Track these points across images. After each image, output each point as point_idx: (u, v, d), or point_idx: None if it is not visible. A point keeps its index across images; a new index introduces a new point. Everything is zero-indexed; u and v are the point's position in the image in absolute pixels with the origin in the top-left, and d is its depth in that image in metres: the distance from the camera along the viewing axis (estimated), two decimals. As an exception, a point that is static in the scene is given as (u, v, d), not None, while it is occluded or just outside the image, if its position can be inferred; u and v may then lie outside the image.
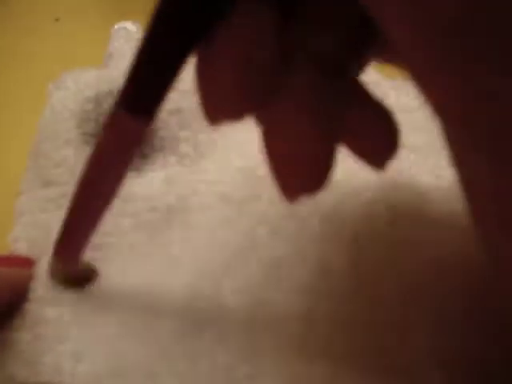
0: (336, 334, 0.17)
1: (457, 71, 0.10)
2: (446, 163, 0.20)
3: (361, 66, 0.15)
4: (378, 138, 0.15)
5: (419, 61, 0.10)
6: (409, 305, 0.17)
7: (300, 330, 0.17)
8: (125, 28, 0.22)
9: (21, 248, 0.19)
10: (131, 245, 0.19)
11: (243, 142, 0.21)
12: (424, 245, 0.18)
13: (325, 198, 0.19)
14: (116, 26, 0.22)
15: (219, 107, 0.14)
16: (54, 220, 0.19)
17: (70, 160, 0.20)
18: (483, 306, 0.17)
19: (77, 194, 0.16)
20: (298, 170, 0.14)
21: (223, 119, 0.14)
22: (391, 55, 0.15)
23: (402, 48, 0.10)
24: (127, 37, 0.22)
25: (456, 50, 0.10)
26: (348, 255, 0.18)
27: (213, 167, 0.20)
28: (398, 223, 0.19)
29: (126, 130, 0.15)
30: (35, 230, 0.19)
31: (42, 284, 0.18)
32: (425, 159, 0.20)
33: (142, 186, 0.20)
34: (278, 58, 0.13)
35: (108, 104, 0.21)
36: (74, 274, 0.18)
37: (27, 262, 0.18)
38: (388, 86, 0.22)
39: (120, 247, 0.19)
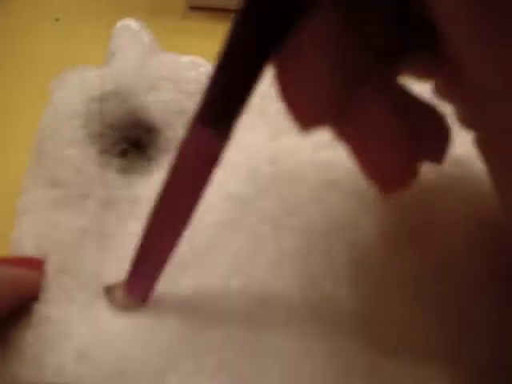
0: (339, 332, 0.17)
1: None
2: (447, 162, 0.20)
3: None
4: (437, 139, 0.16)
5: (473, 57, 0.11)
6: (410, 304, 0.17)
7: (305, 328, 0.17)
8: (127, 26, 0.22)
9: (22, 247, 0.19)
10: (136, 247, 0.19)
11: (247, 142, 0.21)
12: (425, 245, 0.18)
13: (328, 197, 0.19)
14: (118, 24, 0.22)
15: (309, 114, 0.14)
16: (57, 219, 0.19)
17: (75, 160, 0.20)
18: (485, 305, 0.17)
19: (153, 217, 0.16)
20: (388, 169, 0.15)
21: (313, 125, 0.14)
22: (430, 63, 0.15)
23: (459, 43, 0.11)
24: (130, 35, 0.22)
25: None
26: (352, 253, 0.18)
27: (217, 167, 0.20)
28: (399, 222, 0.19)
29: (206, 146, 0.14)
30: (37, 230, 0.19)
31: (45, 284, 0.18)
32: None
33: (148, 188, 0.20)
34: (357, 66, 0.14)
35: (112, 104, 0.21)
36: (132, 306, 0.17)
37: (35, 263, 0.18)
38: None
39: (126, 249, 0.19)
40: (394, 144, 0.14)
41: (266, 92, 0.21)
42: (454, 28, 0.11)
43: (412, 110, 0.15)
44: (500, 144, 0.11)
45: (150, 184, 0.20)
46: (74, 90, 0.21)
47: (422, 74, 0.16)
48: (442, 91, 0.16)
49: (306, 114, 0.14)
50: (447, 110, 0.16)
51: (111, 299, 0.17)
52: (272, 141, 0.21)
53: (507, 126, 0.11)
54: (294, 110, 0.14)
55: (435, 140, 0.16)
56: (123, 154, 0.20)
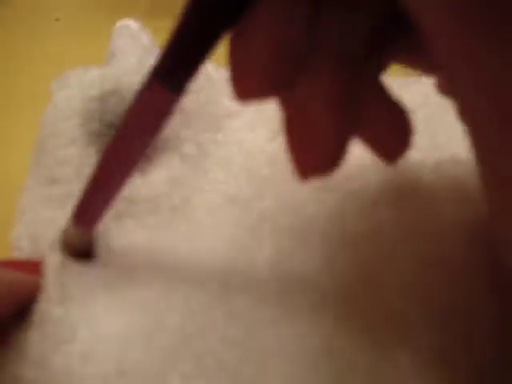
0: (340, 332, 0.17)
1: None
2: (447, 162, 0.20)
3: (383, 63, 0.16)
4: (391, 134, 0.16)
5: (449, 46, 0.11)
6: (410, 303, 0.17)
7: (305, 328, 0.17)
8: (127, 26, 0.22)
9: (23, 246, 0.19)
10: (135, 246, 0.19)
11: (246, 142, 0.21)
12: (426, 244, 0.18)
13: (328, 198, 0.19)
14: (118, 24, 0.22)
15: (249, 83, 0.14)
16: (58, 218, 0.19)
17: (75, 159, 0.20)
18: (484, 306, 0.17)
19: (103, 157, 0.17)
20: (313, 151, 0.15)
21: (251, 95, 0.15)
22: (413, 53, 0.16)
23: (432, 34, 0.11)
24: (130, 35, 0.22)
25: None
26: (351, 254, 0.18)
27: (216, 167, 0.20)
28: (399, 223, 0.19)
29: (158, 101, 0.16)
30: (38, 228, 0.19)
31: (49, 283, 0.18)
32: (426, 158, 0.20)
33: (146, 187, 0.20)
34: (307, 42, 0.14)
35: (112, 103, 0.21)
36: (82, 244, 0.18)
37: (33, 265, 0.18)
38: (390, 83, 0.22)
39: (124, 249, 0.19)
40: (323, 124, 0.15)
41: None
42: (427, 21, 0.11)
43: (366, 99, 0.15)
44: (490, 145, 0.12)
45: (147, 183, 0.20)
46: (75, 90, 0.21)
47: (417, 64, 0.17)
48: (442, 86, 0.16)
49: (249, 83, 0.14)
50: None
51: (63, 243, 0.18)
52: (271, 141, 0.21)
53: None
54: (238, 77, 0.14)
55: (389, 138, 0.16)
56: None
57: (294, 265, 0.18)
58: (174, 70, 0.15)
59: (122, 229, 0.19)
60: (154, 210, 0.19)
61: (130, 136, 0.16)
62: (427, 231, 0.19)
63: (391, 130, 0.16)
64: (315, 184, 0.19)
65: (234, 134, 0.21)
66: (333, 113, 0.15)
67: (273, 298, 0.17)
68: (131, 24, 0.22)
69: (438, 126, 0.20)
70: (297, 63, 0.14)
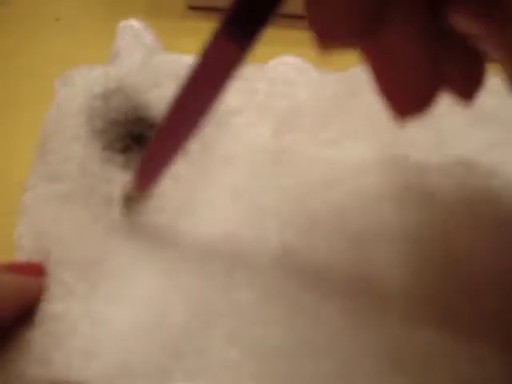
0: (343, 331, 0.17)
1: None
2: (453, 161, 0.20)
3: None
4: (469, 74, 0.16)
5: None
6: (413, 302, 0.17)
7: (309, 326, 0.17)
8: (130, 26, 0.22)
9: (25, 244, 0.19)
10: (141, 243, 0.19)
11: (251, 139, 0.21)
12: (428, 244, 0.18)
13: (332, 195, 0.19)
14: (122, 24, 0.22)
15: (332, 30, 0.14)
16: (59, 215, 0.19)
17: (78, 156, 0.20)
18: (491, 309, 0.17)
19: (169, 114, 0.17)
20: (407, 92, 0.15)
21: (335, 42, 0.14)
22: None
23: None
24: (133, 34, 0.22)
25: None
26: (355, 250, 0.18)
27: (220, 164, 0.20)
28: (401, 221, 0.19)
29: (226, 53, 0.15)
30: (41, 226, 0.19)
31: (52, 281, 0.18)
32: (430, 157, 0.20)
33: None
34: None
35: (116, 101, 0.21)
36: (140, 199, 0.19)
37: (36, 268, 0.18)
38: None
39: (129, 246, 0.19)
40: (417, 66, 0.15)
41: (270, 90, 0.22)
42: None
43: (446, 42, 0.15)
44: None
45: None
46: (79, 88, 0.21)
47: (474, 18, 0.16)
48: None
49: (331, 31, 0.14)
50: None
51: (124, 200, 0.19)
52: (275, 138, 0.21)
53: None
54: (319, 28, 0.14)
55: (467, 77, 0.16)
56: (126, 150, 0.20)
57: (297, 261, 0.18)
58: (243, 22, 0.15)
59: (127, 227, 0.19)
60: (158, 208, 0.19)
61: (197, 90, 0.16)
62: (429, 230, 0.19)
63: (468, 71, 0.16)
64: (317, 181, 0.19)
65: (237, 130, 0.21)
66: (422, 49, 0.14)
67: (277, 295, 0.17)
68: (134, 24, 0.23)
69: (442, 125, 0.20)
70: (379, 11, 0.14)
